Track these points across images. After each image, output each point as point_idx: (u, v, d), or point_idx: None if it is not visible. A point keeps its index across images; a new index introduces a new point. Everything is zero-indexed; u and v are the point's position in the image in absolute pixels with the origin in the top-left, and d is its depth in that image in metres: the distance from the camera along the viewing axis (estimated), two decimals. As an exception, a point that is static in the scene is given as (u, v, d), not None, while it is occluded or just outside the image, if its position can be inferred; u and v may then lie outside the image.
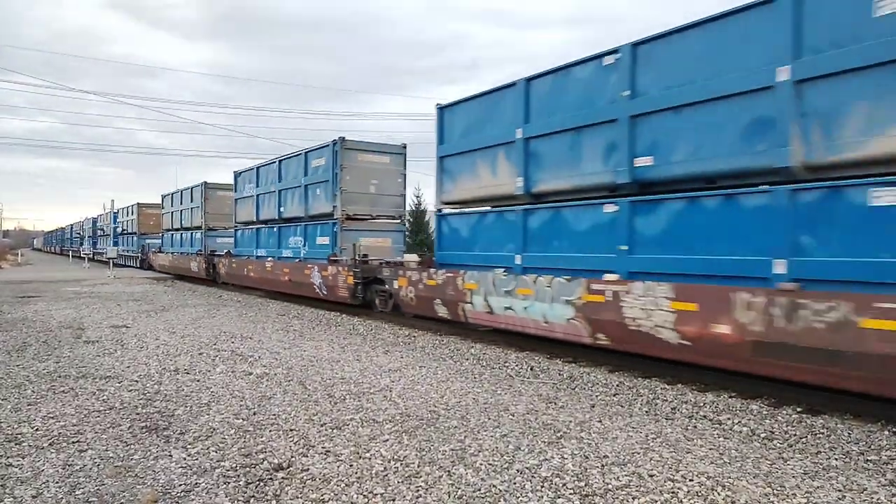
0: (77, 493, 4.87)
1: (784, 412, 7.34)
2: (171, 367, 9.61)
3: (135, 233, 42.94)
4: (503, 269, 11.05)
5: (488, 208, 11.95)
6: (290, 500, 4.76)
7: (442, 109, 12.80)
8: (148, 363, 9.88)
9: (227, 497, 4.79)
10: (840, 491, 4.97)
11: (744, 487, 4.97)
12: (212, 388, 8.19)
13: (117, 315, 16.23)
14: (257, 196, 22.20)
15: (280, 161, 20.47)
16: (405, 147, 16.46)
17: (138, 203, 42.53)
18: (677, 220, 8.52)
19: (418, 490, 4.91)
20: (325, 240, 17.70)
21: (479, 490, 4.90)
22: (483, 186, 11.87)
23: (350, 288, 15.90)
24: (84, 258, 47.54)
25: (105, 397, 7.74)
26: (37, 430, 6.41)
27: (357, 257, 16.09)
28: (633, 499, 4.75)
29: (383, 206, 17.85)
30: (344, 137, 16.93)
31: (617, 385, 8.71)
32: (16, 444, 5.96)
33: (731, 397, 8.06)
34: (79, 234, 65.66)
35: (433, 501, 4.72)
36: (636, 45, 8.99)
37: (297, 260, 19.17)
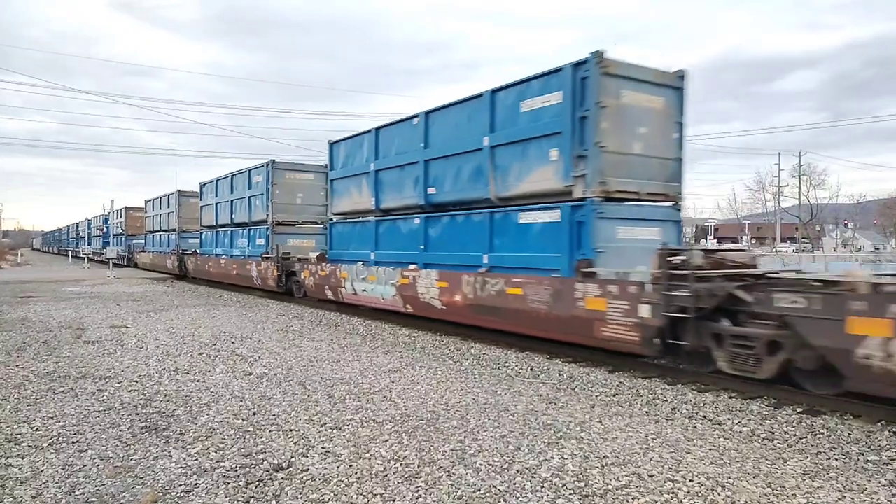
0: (77, 493, 4.87)
1: (784, 412, 7.34)
2: (170, 367, 9.60)
3: (123, 234, 46.70)
4: (362, 263, 15.39)
5: (358, 219, 16.25)
6: (290, 500, 4.76)
7: (331, 144, 17.03)
8: (148, 363, 9.88)
9: (226, 497, 4.79)
10: (840, 491, 4.97)
11: (744, 488, 4.97)
12: (212, 389, 8.19)
13: (117, 315, 16.23)
14: (216, 204, 26.19)
15: (232, 176, 24.49)
16: (327, 166, 18.20)
17: (126, 207, 46.53)
18: (443, 230, 12.94)
19: (418, 490, 4.91)
20: (262, 241, 21.97)
21: (479, 490, 4.90)
22: (354, 203, 16.08)
23: (275, 279, 20.13)
24: (84, 258, 47.63)
25: (105, 397, 7.74)
26: (36, 430, 6.41)
27: (279, 255, 20.17)
28: (633, 499, 4.75)
29: (307, 214, 21.93)
30: (275, 160, 21.12)
31: (617, 385, 8.71)
32: (15, 445, 5.95)
33: (731, 397, 8.06)
34: (77, 234, 66.10)
35: (433, 502, 4.72)
36: (428, 112, 13.12)
37: (243, 257, 23.42)
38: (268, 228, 21.36)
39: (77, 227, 69.26)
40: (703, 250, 9.27)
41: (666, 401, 7.85)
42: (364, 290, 15.10)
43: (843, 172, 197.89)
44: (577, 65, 9.87)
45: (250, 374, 9.11)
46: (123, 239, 46.27)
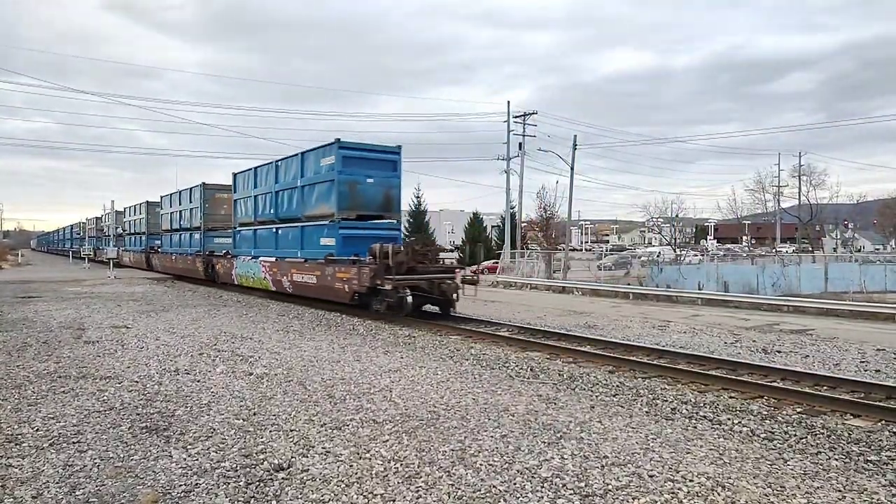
0: (77, 493, 4.87)
1: (784, 412, 7.34)
2: (171, 367, 9.61)
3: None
4: (248, 257, 22.62)
5: (248, 228, 23.15)
6: (290, 500, 4.76)
7: (234, 175, 23.98)
8: (148, 363, 9.88)
9: (227, 497, 4.79)
10: (840, 491, 4.98)
11: (744, 488, 4.98)
12: (212, 389, 8.20)
13: (118, 315, 16.23)
14: (170, 214, 33.45)
15: (180, 192, 31.63)
16: (233, 189, 24.85)
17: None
18: (283, 235, 20.15)
19: (418, 490, 4.91)
20: (198, 240, 28.89)
21: (479, 490, 4.90)
22: (246, 216, 23.13)
23: (204, 270, 27.47)
24: (84, 258, 47.59)
25: (105, 398, 7.74)
26: (37, 430, 6.42)
27: (205, 252, 27.68)
28: (633, 499, 4.76)
29: (227, 221, 26.98)
30: (206, 183, 28.28)
31: (617, 385, 8.71)
32: (16, 445, 5.96)
33: (731, 397, 8.06)
34: (79, 234, 66.20)
35: (433, 502, 4.72)
36: (278, 160, 20.15)
37: (187, 254, 30.37)
38: (202, 232, 28.43)
39: (72, 228, 69.25)
40: (411, 248, 15.74)
41: (666, 401, 7.85)
42: (246, 274, 22.79)
43: (843, 173, 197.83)
44: (338, 143, 16.66)
45: (251, 374, 9.12)
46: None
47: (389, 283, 14.58)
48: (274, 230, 20.59)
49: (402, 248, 15.39)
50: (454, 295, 15.68)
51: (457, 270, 16.55)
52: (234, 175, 23.83)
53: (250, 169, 22.61)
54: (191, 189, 29.97)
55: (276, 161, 20.39)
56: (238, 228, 23.94)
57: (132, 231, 42.17)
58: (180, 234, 31.57)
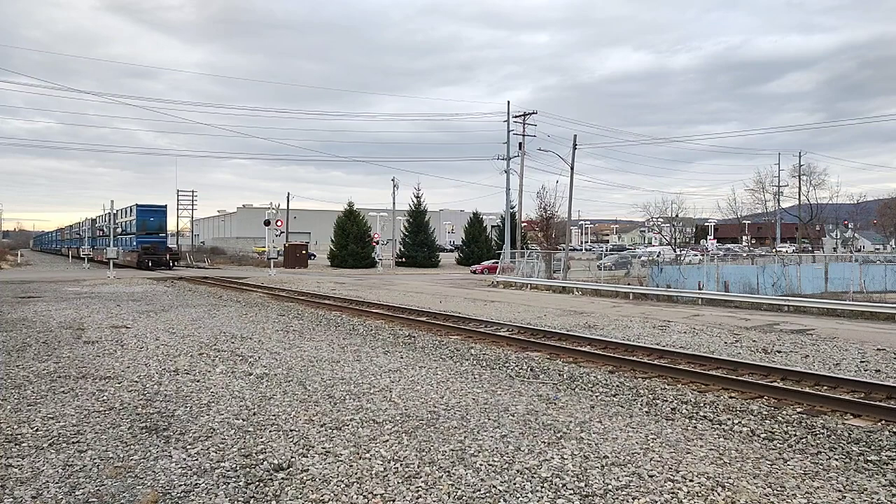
0: (77, 493, 4.87)
1: (784, 412, 7.34)
2: (171, 367, 9.60)
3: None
4: (116, 248, 41.62)
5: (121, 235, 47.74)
6: (290, 500, 4.76)
7: (114, 210, 45.51)
8: (148, 364, 9.88)
9: (227, 497, 4.79)
10: (840, 491, 4.97)
11: (744, 488, 4.97)
12: (212, 389, 8.19)
13: (117, 315, 16.23)
14: (112, 227, 47.16)
15: (108, 213, 45.95)
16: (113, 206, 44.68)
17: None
18: (126, 239, 47.10)
19: (418, 490, 4.91)
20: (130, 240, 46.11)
21: (479, 490, 4.90)
22: (121, 230, 48.16)
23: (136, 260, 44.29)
24: (84, 258, 47.65)
25: (105, 398, 7.73)
26: (37, 430, 6.41)
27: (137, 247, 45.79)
28: (633, 499, 4.75)
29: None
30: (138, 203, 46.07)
31: (617, 385, 8.71)
32: (16, 445, 5.95)
33: (731, 398, 8.06)
34: (78, 234, 67.03)
35: (433, 502, 4.72)
36: (126, 207, 46.09)
37: (125, 249, 46.47)
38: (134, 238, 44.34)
39: (71, 228, 71.44)
40: (153, 245, 42.87)
41: (666, 401, 7.85)
42: (111, 255, 36.35)
43: (843, 173, 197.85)
44: (137, 206, 42.61)
45: (250, 374, 9.11)
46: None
47: (144, 257, 41.02)
48: (124, 237, 43.19)
49: (150, 246, 41.43)
50: (170, 262, 42.78)
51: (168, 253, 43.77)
52: (120, 209, 46.32)
53: (122, 209, 45.76)
54: (129, 207, 45.79)
55: (126, 207, 45.17)
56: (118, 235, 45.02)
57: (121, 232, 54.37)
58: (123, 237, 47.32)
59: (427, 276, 41.83)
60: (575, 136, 35.29)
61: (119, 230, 46.09)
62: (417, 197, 57.95)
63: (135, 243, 43.47)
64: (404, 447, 5.88)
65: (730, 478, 5.17)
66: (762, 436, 6.45)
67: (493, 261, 42.36)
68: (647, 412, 7.32)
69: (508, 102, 47.91)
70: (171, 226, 63.30)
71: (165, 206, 46.45)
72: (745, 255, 40.82)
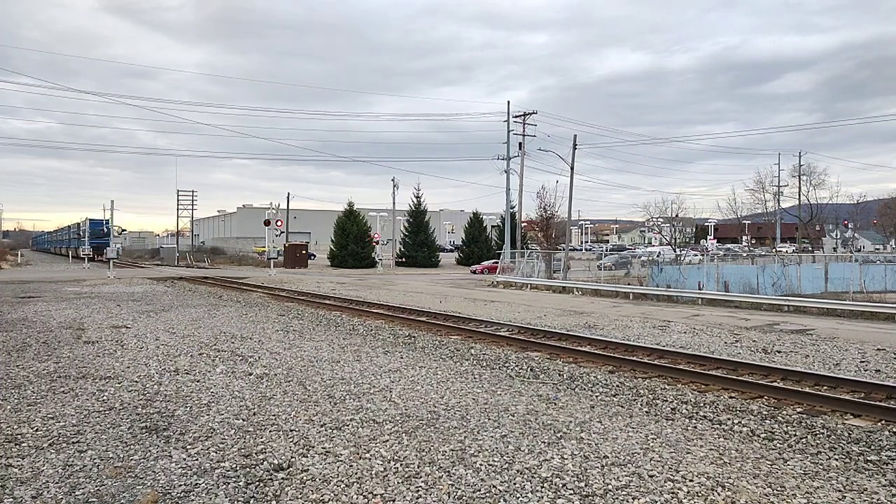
0: (77, 493, 4.86)
1: (784, 412, 7.34)
2: (171, 367, 9.60)
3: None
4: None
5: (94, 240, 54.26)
6: (290, 500, 4.76)
7: (86, 220, 54.77)
8: (148, 364, 9.88)
9: (227, 497, 4.79)
10: (840, 491, 4.97)
11: (744, 487, 4.97)
12: (212, 389, 8.19)
13: (117, 315, 16.23)
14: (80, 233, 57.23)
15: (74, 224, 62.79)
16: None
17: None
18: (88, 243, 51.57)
19: (418, 490, 4.91)
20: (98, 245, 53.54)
21: (479, 490, 4.90)
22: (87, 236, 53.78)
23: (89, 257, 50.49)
24: (84, 258, 47.73)
25: (105, 398, 7.73)
26: (37, 430, 6.41)
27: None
28: (633, 499, 4.75)
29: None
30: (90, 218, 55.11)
31: (617, 385, 8.71)
32: (16, 445, 5.95)
33: (731, 398, 8.06)
34: (78, 234, 69.34)
35: (433, 502, 4.72)
36: (86, 219, 56.04)
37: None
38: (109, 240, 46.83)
39: (70, 228, 74.23)
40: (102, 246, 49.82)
41: (666, 401, 7.85)
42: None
43: (843, 173, 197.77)
44: (89, 220, 52.99)
45: (250, 374, 9.11)
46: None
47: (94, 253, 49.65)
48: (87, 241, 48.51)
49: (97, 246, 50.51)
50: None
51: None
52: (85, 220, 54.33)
53: (87, 220, 53.32)
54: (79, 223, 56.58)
55: (85, 219, 53.55)
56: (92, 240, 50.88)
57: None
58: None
59: (427, 276, 41.83)
60: (575, 136, 35.31)
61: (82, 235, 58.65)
62: (417, 197, 57.95)
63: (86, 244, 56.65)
64: (404, 447, 5.88)
65: (730, 478, 5.17)
66: (762, 436, 6.45)
67: (493, 261, 42.34)
68: (647, 412, 7.32)
69: (508, 102, 47.90)
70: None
71: (107, 220, 58.30)
72: (745, 255, 40.81)
